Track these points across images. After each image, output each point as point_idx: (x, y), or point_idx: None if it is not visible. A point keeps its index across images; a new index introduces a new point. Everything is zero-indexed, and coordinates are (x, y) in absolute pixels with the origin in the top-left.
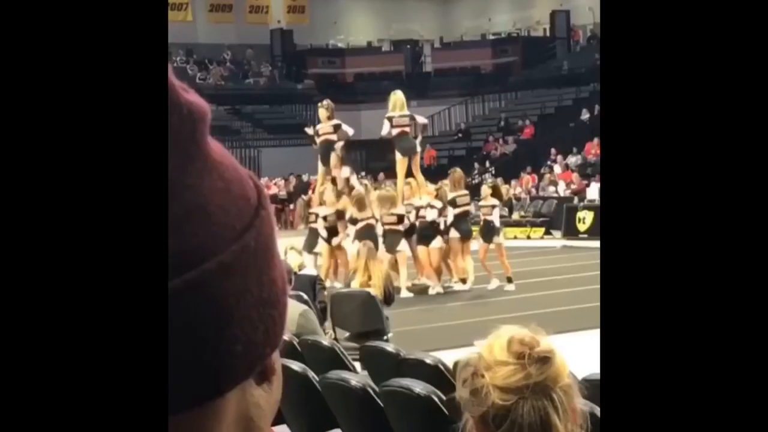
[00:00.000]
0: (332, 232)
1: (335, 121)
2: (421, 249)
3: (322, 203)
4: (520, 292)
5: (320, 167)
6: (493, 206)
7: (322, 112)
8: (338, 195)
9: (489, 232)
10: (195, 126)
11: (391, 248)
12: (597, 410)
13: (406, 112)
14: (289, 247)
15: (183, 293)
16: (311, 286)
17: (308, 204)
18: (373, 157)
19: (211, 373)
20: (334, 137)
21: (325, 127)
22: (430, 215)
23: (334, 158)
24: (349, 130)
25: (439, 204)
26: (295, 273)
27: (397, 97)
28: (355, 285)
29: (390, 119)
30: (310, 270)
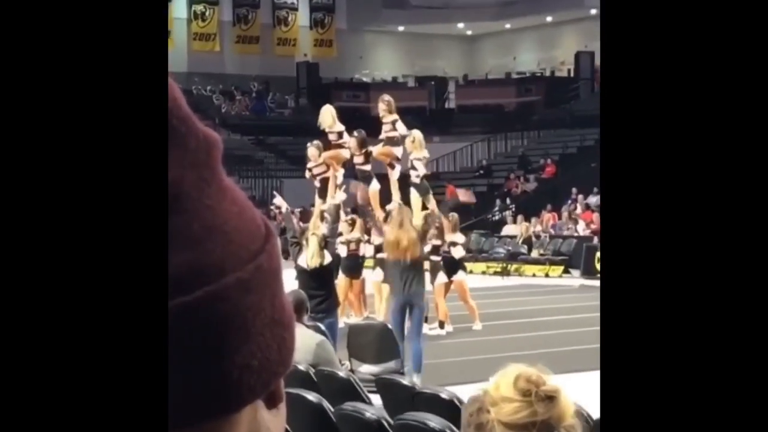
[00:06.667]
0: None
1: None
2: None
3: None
4: (538, 330)
5: (317, 200)
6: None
7: (312, 150)
8: (353, 223)
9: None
10: (210, 152)
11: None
12: None
13: (425, 153)
14: (320, 211)
15: (204, 305)
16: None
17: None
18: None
19: (231, 385)
20: (328, 175)
21: (318, 168)
22: (457, 253)
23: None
24: (375, 185)
25: (462, 239)
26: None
27: (420, 137)
28: (388, 247)
29: (423, 160)
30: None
